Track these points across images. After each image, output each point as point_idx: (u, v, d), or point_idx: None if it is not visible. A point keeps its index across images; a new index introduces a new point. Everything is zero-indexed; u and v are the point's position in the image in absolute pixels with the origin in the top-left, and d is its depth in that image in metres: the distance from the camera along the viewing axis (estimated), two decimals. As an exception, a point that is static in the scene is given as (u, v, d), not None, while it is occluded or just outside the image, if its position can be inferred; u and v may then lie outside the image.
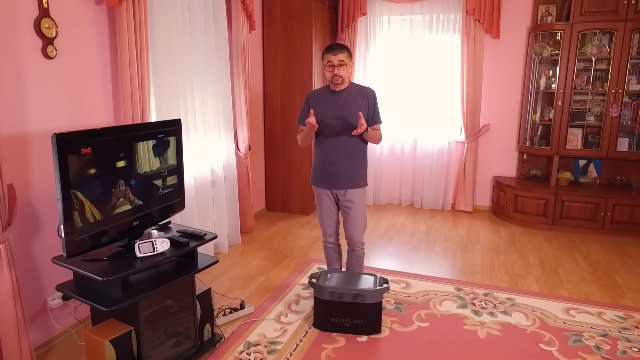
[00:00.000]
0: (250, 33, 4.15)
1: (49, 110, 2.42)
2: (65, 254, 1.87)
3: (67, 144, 1.81)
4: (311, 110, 2.67)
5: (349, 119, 2.75)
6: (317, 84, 4.88)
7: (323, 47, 4.96)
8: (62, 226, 1.84)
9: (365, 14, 5.18)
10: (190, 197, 3.40)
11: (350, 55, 2.79)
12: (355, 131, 2.63)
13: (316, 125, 2.66)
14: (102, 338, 2.01)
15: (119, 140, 2.09)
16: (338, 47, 2.75)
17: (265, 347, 2.56)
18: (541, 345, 2.61)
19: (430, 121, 5.27)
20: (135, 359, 2.13)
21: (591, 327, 2.80)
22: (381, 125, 2.91)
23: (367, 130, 2.67)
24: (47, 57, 2.38)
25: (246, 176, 4.28)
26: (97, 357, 2.04)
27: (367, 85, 2.92)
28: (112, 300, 1.97)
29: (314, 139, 2.91)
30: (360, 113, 2.62)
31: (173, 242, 2.27)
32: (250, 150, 4.29)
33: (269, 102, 4.94)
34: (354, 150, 2.85)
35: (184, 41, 3.34)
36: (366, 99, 2.82)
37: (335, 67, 2.72)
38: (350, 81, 2.86)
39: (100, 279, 1.89)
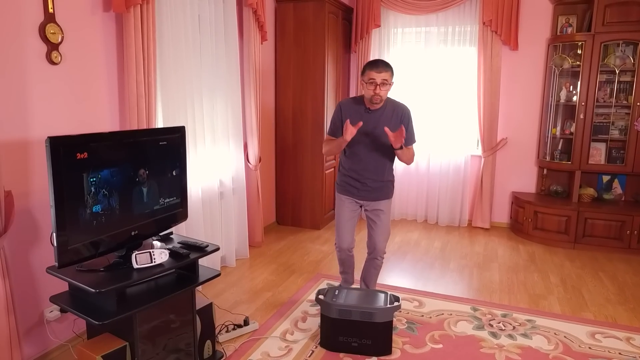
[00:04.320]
0: (262, 44, 4.10)
1: (52, 117, 2.38)
2: (57, 264, 1.79)
3: (62, 148, 1.74)
4: (358, 123, 2.52)
5: (382, 139, 2.66)
6: (329, 96, 4.81)
7: (336, 59, 4.94)
8: (54, 234, 1.76)
9: (379, 26, 5.11)
10: (196, 208, 3.32)
11: (393, 74, 2.62)
12: (394, 143, 2.53)
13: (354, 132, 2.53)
14: (94, 353, 1.91)
15: (118, 146, 2.02)
16: (382, 64, 2.58)
17: (269, 366, 2.43)
18: (565, 372, 2.42)
19: (447, 135, 5.13)
20: (130, 376, 2.02)
21: (619, 354, 2.60)
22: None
23: (401, 146, 2.59)
24: (52, 62, 2.35)
25: (256, 188, 4.19)
26: (89, 374, 1.94)
27: (402, 102, 2.80)
28: (106, 314, 1.88)
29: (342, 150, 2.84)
30: (403, 127, 2.54)
31: (173, 253, 2.18)
32: (260, 162, 4.21)
33: (280, 114, 4.87)
34: (383, 168, 2.79)
35: (193, 50, 3.29)
36: (400, 118, 2.72)
37: (378, 86, 2.57)
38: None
39: (93, 290, 1.80)
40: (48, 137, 1.69)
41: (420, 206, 5.36)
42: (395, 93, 5.16)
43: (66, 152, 1.76)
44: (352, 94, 5.53)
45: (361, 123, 2.53)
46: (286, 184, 4.96)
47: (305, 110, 4.77)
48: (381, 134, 2.64)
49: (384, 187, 2.84)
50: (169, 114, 3.10)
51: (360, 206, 2.91)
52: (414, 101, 5.17)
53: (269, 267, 3.85)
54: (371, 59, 5.15)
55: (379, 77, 2.55)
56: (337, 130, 2.74)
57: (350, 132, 2.51)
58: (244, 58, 3.96)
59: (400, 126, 2.60)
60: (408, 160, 2.78)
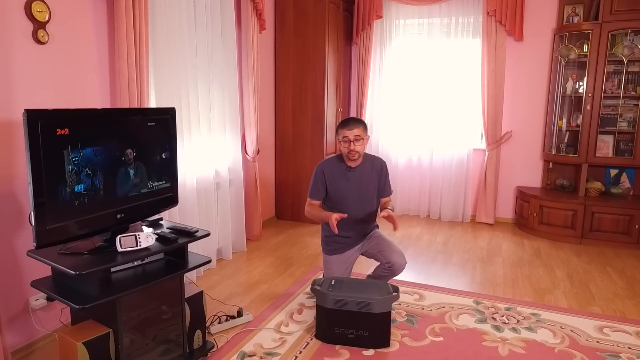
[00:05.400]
0: (260, 33, 4.02)
1: (38, 98, 2.30)
2: (35, 244, 1.70)
3: (40, 122, 1.65)
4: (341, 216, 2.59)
5: (366, 196, 2.76)
6: (329, 90, 4.71)
7: (337, 51, 4.85)
8: (32, 213, 1.68)
9: (381, 17, 5.02)
10: (191, 198, 3.23)
11: (366, 128, 2.71)
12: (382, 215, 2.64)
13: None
14: (75, 340, 1.82)
15: (102, 124, 1.94)
16: (353, 121, 2.69)
17: (261, 358, 2.33)
18: (571, 366, 2.31)
19: (450, 128, 5.01)
20: (113, 364, 1.92)
21: (629, 348, 2.48)
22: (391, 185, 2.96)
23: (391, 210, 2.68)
24: (38, 42, 2.27)
25: (254, 180, 4.10)
26: (69, 361, 1.85)
27: (377, 155, 2.93)
28: (87, 298, 1.79)
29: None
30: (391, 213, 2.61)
31: (160, 237, 2.09)
32: (258, 153, 4.12)
33: (280, 106, 4.79)
34: (370, 220, 2.87)
35: (188, 37, 3.22)
36: (378, 172, 2.79)
37: (352, 143, 2.65)
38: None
39: (73, 272, 1.71)
40: (25, 109, 1.61)
41: (422, 201, 5.25)
42: (397, 85, 5.11)
43: (45, 126, 1.67)
44: (354, 89, 5.44)
45: (346, 215, 2.60)
46: (286, 177, 4.87)
47: (306, 103, 4.68)
48: (366, 189, 2.76)
49: (368, 230, 2.91)
50: (162, 101, 3.01)
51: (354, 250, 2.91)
52: (416, 94, 5.10)
53: (266, 260, 3.76)
54: (373, 51, 5.12)
55: (351, 134, 2.64)
56: (319, 193, 2.80)
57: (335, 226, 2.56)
58: (241, 47, 3.88)
59: (377, 179, 2.78)
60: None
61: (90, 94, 2.57)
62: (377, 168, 2.81)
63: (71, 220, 1.81)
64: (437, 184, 5.15)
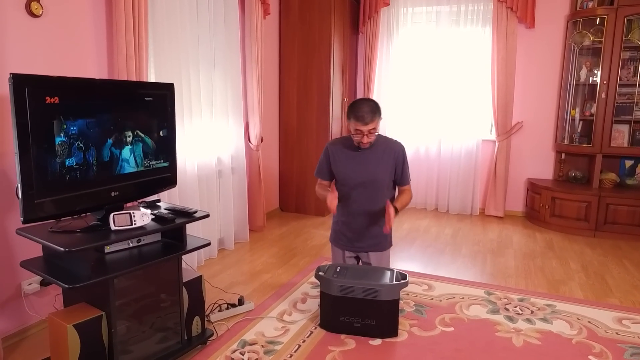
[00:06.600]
0: (264, 18, 3.92)
1: (32, 73, 2.20)
2: (22, 218, 1.60)
3: (28, 88, 1.56)
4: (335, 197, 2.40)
5: (375, 177, 2.48)
6: (335, 79, 4.59)
7: (342, 39, 4.73)
8: (19, 185, 1.58)
9: (388, 5, 4.90)
10: (192, 184, 3.13)
11: (380, 114, 2.40)
12: (385, 229, 2.39)
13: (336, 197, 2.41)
14: (65, 322, 1.72)
15: (95, 95, 1.84)
16: (369, 115, 2.33)
17: (263, 346, 2.22)
18: (591, 357, 2.18)
19: (458, 119, 4.88)
20: (106, 348, 1.82)
21: (651, 340, 2.35)
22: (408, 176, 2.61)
23: (397, 211, 2.39)
24: (32, 14, 2.18)
25: (257, 169, 4.00)
26: (60, 344, 1.75)
27: (396, 140, 2.57)
28: (78, 278, 1.69)
29: None
30: (391, 210, 2.33)
31: (157, 217, 1.99)
32: (262, 142, 4.01)
33: (284, 95, 4.68)
34: (379, 209, 2.49)
35: (189, 19, 3.11)
36: (394, 157, 2.50)
37: (365, 136, 2.38)
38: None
39: (62, 249, 1.61)
40: (11, 73, 1.51)
41: (430, 194, 5.12)
42: (405, 75, 4.99)
43: (33, 92, 1.57)
44: (360, 78, 5.33)
45: (337, 194, 2.42)
46: (290, 168, 4.76)
47: (311, 91, 4.57)
48: (373, 170, 2.48)
49: (380, 235, 2.56)
50: (161, 81, 2.90)
51: (357, 258, 2.69)
52: (424, 84, 4.97)
53: (269, 250, 3.65)
54: (379, 40, 4.99)
55: (366, 129, 2.35)
56: (323, 172, 2.61)
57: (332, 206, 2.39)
58: (245, 32, 3.78)
59: (393, 164, 2.50)
60: (406, 205, 2.57)
61: (86, 70, 2.47)
62: (393, 151, 2.50)
63: (61, 195, 1.71)
64: (445, 175, 5.02)
